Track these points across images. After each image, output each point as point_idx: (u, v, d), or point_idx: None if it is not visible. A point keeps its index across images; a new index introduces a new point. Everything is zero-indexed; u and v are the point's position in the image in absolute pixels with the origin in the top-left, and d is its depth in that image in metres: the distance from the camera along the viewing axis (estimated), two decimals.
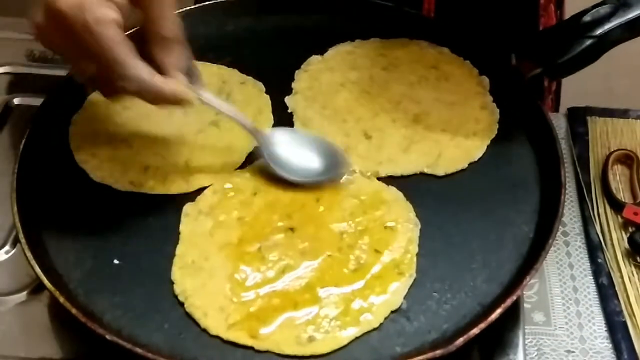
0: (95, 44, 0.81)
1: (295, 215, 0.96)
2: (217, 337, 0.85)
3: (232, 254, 0.92)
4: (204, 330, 0.86)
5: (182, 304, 0.88)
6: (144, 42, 0.89)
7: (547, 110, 1.09)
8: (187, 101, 0.91)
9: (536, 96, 1.08)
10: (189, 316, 0.87)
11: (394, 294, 0.89)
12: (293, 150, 1.01)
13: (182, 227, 0.95)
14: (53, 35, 0.84)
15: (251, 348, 0.85)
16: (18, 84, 1.22)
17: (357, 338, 0.86)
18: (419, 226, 0.96)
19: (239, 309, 0.87)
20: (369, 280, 0.90)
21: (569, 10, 1.23)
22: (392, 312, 0.88)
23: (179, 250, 0.93)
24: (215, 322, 0.86)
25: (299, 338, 0.85)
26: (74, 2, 0.80)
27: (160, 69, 0.88)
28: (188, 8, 1.21)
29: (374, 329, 0.86)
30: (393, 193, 0.99)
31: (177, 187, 0.99)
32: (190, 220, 0.96)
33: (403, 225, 0.95)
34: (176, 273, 0.90)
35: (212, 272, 0.90)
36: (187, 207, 0.97)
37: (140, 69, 0.85)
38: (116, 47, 0.82)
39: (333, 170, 1.00)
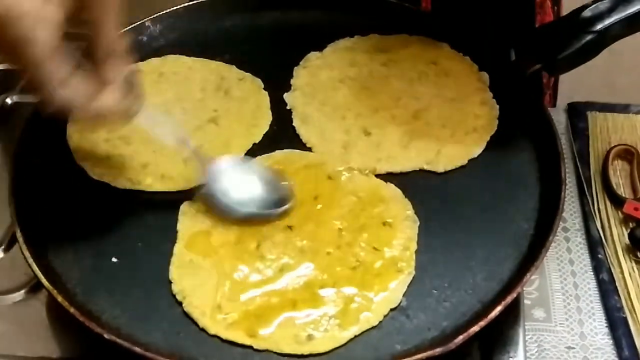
0: (24, 59, 0.75)
1: (293, 213, 0.95)
2: (216, 336, 0.85)
3: (230, 253, 0.92)
4: (203, 329, 0.86)
5: (180, 303, 0.88)
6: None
7: (547, 106, 1.09)
8: (122, 120, 0.87)
9: (536, 92, 1.07)
10: (187, 315, 0.87)
11: (394, 291, 0.89)
12: (235, 184, 0.97)
13: (179, 226, 0.95)
14: None
15: (250, 347, 0.85)
16: (15, 81, 1.21)
17: (356, 336, 0.85)
18: (418, 223, 0.95)
19: (237, 308, 0.87)
20: (368, 278, 0.90)
21: (567, 7, 1.22)
22: (391, 309, 0.88)
23: (177, 249, 0.92)
24: (213, 322, 0.86)
25: (298, 337, 0.85)
26: (7, 13, 0.71)
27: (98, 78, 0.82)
28: (187, 4, 1.21)
29: (374, 327, 0.86)
30: (391, 190, 0.99)
31: (175, 184, 0.99)
32: (188, 219, 0.95)
33: (402, 222, 0.95)
34: (174, 272, 0.90)
35: (210, 271, 0.90)
36: (185, 206, 0.96)
37: (67, 96, 0.78)
38: (45, 68, 0.76)
39: (275, 205, 0.97)
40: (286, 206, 0.96)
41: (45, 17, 0.74)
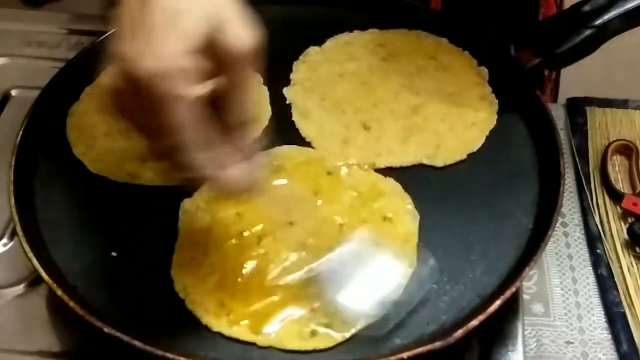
0: (167, 120, 0.70)
1: (294, 209, 0.95)
2: (219, 333, 0.85)
3: (231, 250, 0.91)
4: (203, 325, 0.86)
5: (180, 298, 0.88)
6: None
7: (546, 101, 1.09)
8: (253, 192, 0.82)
9: (536, 86, 1.07)
10: (187, 310, 0.87)
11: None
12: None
13: (180, 224, 0.95)
14: (128, 100, 0.73)
15: (252, 343, 0.85)
16: (16, 75, 1.22)
17: (355, 333, 0.85)
18: (418, 217, 0.96)
19: (240, 305, 0.87)
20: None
21: (569, 1, 1.23)
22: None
23: (178, 246, 0.92)
24: (216, 319, 0.86)
25: (302, 333, 0.85)
26: (157, 70, 0.68)
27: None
28: None
29: (374, 322, 0.86)
30: (391, 184, 0.99)
31: (175, 179, 0.99)
32: (189, 216, 0.95)
33: (402, 216, 0.95)
34: (176, 270, 0.90)
35: (212, 268, 0.90)
36: (185, 203, 0.96)
37: (202, 163, 0.74)
38: (187, 131, 0.71)
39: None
40: None
41: (192, 77, 0.70)
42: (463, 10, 1.24)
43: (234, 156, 0.76)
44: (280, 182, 0.98)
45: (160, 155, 0.76)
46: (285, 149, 1.02)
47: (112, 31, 1.06)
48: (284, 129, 1.05)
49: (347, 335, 0.85)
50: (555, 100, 1.40)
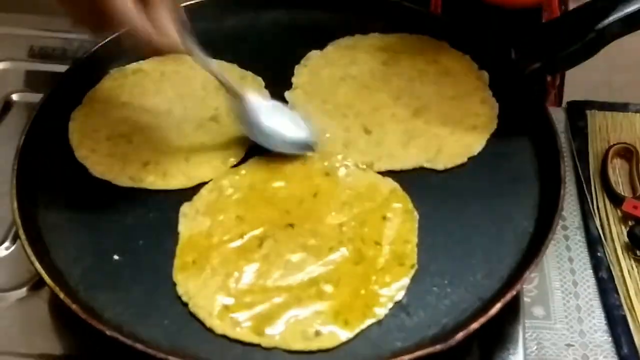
0: None
1: (293, 210, 0.96)
2: (223, 335, 0.85)
3: (232, 253, 0.92)
4: (205, 327, 0.86)
5: (182, 301, 0.88)
6: None
7: (547, 105, 1.09)
8: (177, 52, 0.92)
9: (537, 90, 1.07)
10: (189, 312, 0.87)
11: (397, 285, 0.89)
12: (272, 120, 1.02)
13: (180, 228, 0.95)
14: None
15: (253, 344, 0.85)
16: (18, 79, 1.22)
17: (358, 333, 0.86)
18: (417, 216, 0.96)
19: (243, 307, 0.87)
20: (370, 272, 0.90)
21: (574, 5, 1.23)
22: (394, 305, 0.88)
23: (179, 251, 0.92)
24: (220, 322, 0.86)
25: (306, 333, 0.85)
26: None
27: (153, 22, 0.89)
28: (187, 3, 1.20)
29: (375, 324, 0.86)
30: (389, 184, 0.99)
31: (177, 182, 0.99)
32: (189, 220, 0.95)
33: (401, 215, 0.96)
34: (178, 274, 0.90)
35: (214, 272, 0.90)
36: (185, 207, 0.97)
37: (133, 18, 0.87)
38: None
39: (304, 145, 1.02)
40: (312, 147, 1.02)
41: None
42: (464, 15, 1.24)
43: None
44: (279, 184, 0.98)
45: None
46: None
47: (113, 35, 1.07)
48: None
49: (351, 335, 0.85)
50: (559, 105, 1.40)
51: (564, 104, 1.23)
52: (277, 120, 1.02)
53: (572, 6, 1.32)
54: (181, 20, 0.93)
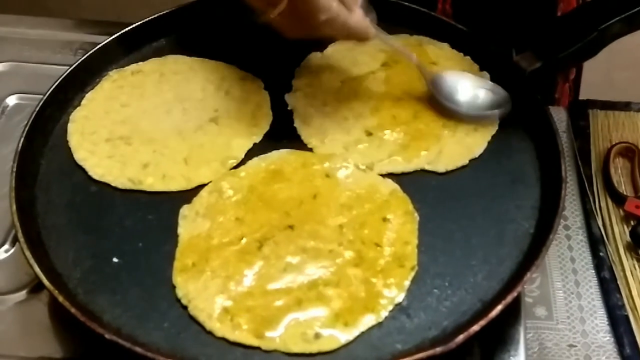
0: None
1: (293, 212, 0.95)
2: (223, 338, 0.85)
3: (232, 255, 0.92)
4: (204, 329, 0.86)
5: (181, 303, 0.88)
6: None
7: (560, 98, 1.09)
8: (367, 36, 0.98)
9: (536, 91, 1.07)
10: (188, 315, 0.87)
11: (397, 286, 0.89)
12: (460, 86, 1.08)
13: (180, 230, 0.95)
14: None
15: (254, 347, 0.85)
16: (17, 81, 1.22)
17: (358, 335, 0.85)
18: (417, 218, 0.96)
19: (243, 310, 0.87)
20: (371, 274, 0.90)
21: None
22: (394, 307, 0.88)
23: (179, 253, 0.92)
24: (220, 324, 0.86)
25: (306, 335, 0.85)
26: None
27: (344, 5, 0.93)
28: (188, 3, 1.20)
29: (375, 326, 0.86)
30: (389, 185, 0.99)
31: (176, 184, 0.99)
32: (188, 222, 0.95)
33: (401, 217, 0.95)
34: (177, 277, 0.90)
35: (213, 274, 0.90)
36: (184, 209, 0.96)
37: (332, 1, 0.90)
38: None
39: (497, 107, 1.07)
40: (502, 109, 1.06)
41: None
42: (475, 11, 1.24)
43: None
44: (279, 185, 0.98)
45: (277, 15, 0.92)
46: (284, 152, 1.02)
47: (113, 37, 1.08)
48: (285, 135, 1.05)
49: (352, 337, 0.85)
50: (575, 98, 1.40)
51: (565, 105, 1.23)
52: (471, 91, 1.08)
53: None
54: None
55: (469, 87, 1.07)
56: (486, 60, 1.13)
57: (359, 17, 0.95)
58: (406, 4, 1.21)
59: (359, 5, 0.95)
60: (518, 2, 1.29)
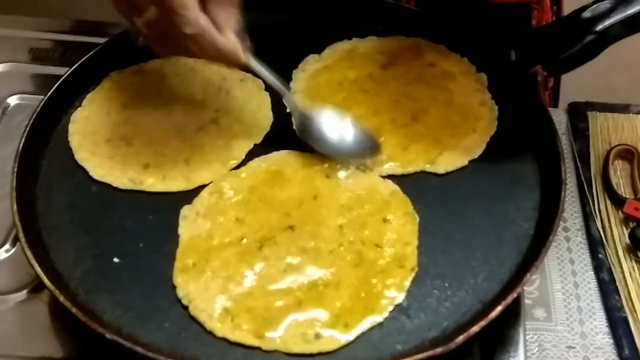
0: None
1: (293, 213, 0.95)
2: (223, 338, 0.86)
3: (232, 256, 0.92)
4: (205, 329, 0.86)
5: (182, 303, 0.88)
6: None
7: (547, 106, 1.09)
8: (237, 60, 0.94)
9: (536, 92, 1.07)
10: (188, 315, 0.87)
11: (397, 287, 0.89)
12: (328, 128, 1.03)
13: (180, 230, 0.95)
14: None
15: (255, 347, 0.85)
16: (18, 81, 1.22)
17: (358, 336, 0.86)
18: (417, 219, 0.96)
19: (244, 310, 0.87)
20: (371, 274, 0.90)
21: (568, 7, 1.22)
22: (394, 307, 0.88)
23: (179, 253, 0.92)
24: (220, 324, 0.86)
25: (306, 336, 0.85)
26: None
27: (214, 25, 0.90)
28: None
29: (375, 327, 0.86)
30: (389, 186, 0.99)
31: (177, 185, 0.99)
32: (189, 223, 0.95)
33: (402, 218, 0.96)
34: (178, 277, 0.90)
35: (214, 275, 0.90)
36: (185, 210, 0.97)
37: (199, 16, 0.88)
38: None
39: (363, 153, 1.02)
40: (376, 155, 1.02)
41: None
42: (439, 8, 1.23)
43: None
44: (279, 186, 0.98)
45: (146, 30, 0.91)
46: (284, 153, 1.03)
47: (112, 39, 1.08)
48: (285, 137, 1.05)
49: (352, 337, 0.85)
50: (554, 107, 1.40)
51: (565, 106, 1.23)
52: (339, 131, 1.03)
53: (565, 5, 1.32)
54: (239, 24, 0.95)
55: (338, 128, 1.04)
56: (484, 62, 1.13)
57: (229, 40, 0.92)
58: (404, 5, 1.20)
59: (232, 29, 0.92)
60: (490, 11, 1.29)
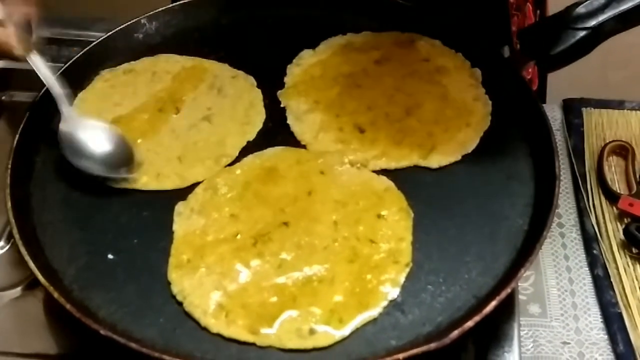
0: None
1: (288, 209, 0.95)
2: (218, 334, 0.86)
3: (227, 252, 0.92)
4: (199, 325, 0.86)
5: (177, 300, 0.88)
6: None
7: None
8: (11, 54, 0.94)
9: (529, 87, 1.07)
10: (183, 311, 0.87)
11: (391, 283, 0.89)
12: (88, 136, 0.99)
13: (175, 227, 0.95)
14: None
15: (249, 343, 0.85)
16: (12, 79, 1.22)
17: (353, 331, 0.86)
18: (412, 215, 0.96)
19: (238, 306, 0.87)
20: (366, 270, 0.90)
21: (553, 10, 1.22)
22: (388, 303, 0.88)
23: (174, 249, 0.92)
24: (215, 320, 0.86)
25: (301, 331, 0.85)
26: None
27: None
28: (181, 2, 1.21)
29: (369, 323, 0.86)
30: (384, 182, 0.99)
31: (170, 182, 1.00)
32: (183, 219, 0.95)
33: (396, 214, 0.96)
34: (172, 273, 0.90)
35: (208, 270, 0.90)
36: (179, 206, 0.97)
37: None
38: None
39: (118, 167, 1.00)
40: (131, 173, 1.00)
41: None
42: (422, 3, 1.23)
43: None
44: (273, 182, 0.98)
45: None
46: (278, 149, 1.03)
47: (103, 38, 1.07)
48: (279, 132, 1.05)
49: (346, 333, 0.85)
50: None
51: (559, 102, 1.23)
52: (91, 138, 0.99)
53: (551, 9, 1.32)
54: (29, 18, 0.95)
55: (101, 142, 1.00)
56: (478, 57, 1.13)
57: (8, 33, 0.92)
58: (399, 0, 1.20)
59: (14, 22, 0.93)
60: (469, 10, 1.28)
